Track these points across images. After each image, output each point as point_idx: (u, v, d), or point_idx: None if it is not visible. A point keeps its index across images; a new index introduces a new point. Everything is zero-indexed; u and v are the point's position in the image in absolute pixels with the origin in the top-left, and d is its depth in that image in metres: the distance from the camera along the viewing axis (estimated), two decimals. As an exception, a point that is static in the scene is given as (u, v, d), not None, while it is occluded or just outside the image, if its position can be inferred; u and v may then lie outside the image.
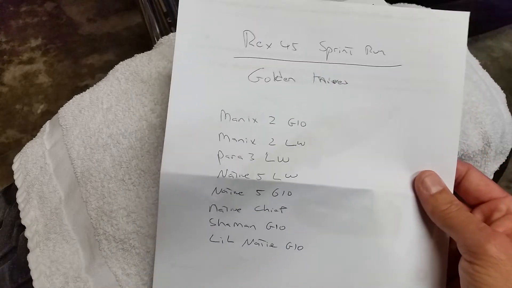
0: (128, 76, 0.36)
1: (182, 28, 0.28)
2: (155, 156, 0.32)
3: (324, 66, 0.28)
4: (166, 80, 0.35)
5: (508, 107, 0.36)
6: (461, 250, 0.25)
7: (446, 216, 0.26)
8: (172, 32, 0.43)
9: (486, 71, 0.37)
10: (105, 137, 0.33)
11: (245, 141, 0.28)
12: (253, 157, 0.28)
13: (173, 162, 0.28)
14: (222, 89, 0.28)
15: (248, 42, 0.28)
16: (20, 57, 1.24)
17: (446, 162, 0.28)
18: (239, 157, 0.28)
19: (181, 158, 0.28)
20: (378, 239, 0.28)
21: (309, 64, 0.28)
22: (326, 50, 0.28)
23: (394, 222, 0.28)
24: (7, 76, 1.19)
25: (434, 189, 0.27)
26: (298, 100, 0.28)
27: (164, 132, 0.28)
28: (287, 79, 0.28)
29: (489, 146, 0.34)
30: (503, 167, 0.37)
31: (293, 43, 0.28)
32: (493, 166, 0.36)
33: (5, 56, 1.24)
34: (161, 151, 0.32)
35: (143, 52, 0.39)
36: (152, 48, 0.41)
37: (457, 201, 0.26)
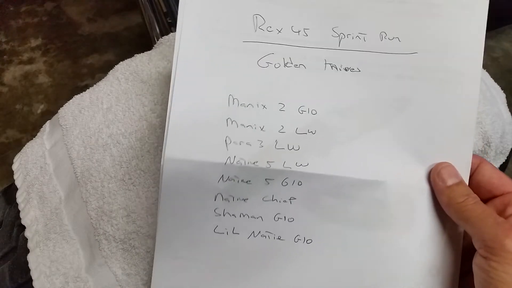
0: (128, 76, 0.36)
1: (191, 9, 0.27)
2: (155, 156, 0.32)
3: (336, 52, 0.27)
4: (166, 80, 0.35)
5: (508, 107, 0.36)
6: (476, 245, 0.24)
7: (462, 208, 0.25)
8: (172, 32, 0.43)
9: (486, 71, 0.37)
10: (105, 137, 0.33)
11: (254, 128, 0.27)
12: (262, 144, 0.27)
13: (178, 147, 0.27)
14: (230, 74, 0.27)
15: (257, 27, 0.27)
16: (20, 57, 1.24)
17: (461, 154, 0.27)
18: (248, 143, 0.27)
19: (186, 143, 0.27)
20: (390, 232, 0.27)
21: (321, 50, 0.27)
22: (339, 36, 0.27)
23: (407, 215, 0.27)
24: (7, 76, 1.19)
25: (450, 181, 0.26)
26: (308, 88, 0.27)
27: (165, 132, 0.27)
28: (298, 66, 0.27)
29: (489, 146, 0.34)
30: (503, 167, 0.37)
31: (304, 29, 0.27)
32: (493, 166, 0.36)
33: (5, 56, 1.24)
34: (161, 151, 0.32)
35: (143, 52, 0.39)
36: (152, 48, 0.41)
37: (473, 195, 0.25)
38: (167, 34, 0.41)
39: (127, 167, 0.32)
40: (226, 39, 0.27)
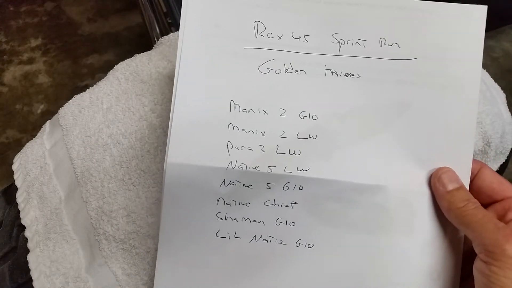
0: (128, 76, 0.36)
1: (191, 17, 0.28)
2: (155, 156, 0.32)
3: (336, 58, 0.28)
4: (166, 80, 0.35)
5: (508, 107, 0.36)
6: (477, 250, 0.24)
7: (463, 213, 0.25)
8: (172, 32, 0.43)
9: (486, 71, 0.37)
10: (105, 137, 0.33)
11: (255, 133, 0.27)
12: (263, 149, 0.27)
13: (180, 152, 0.27)
14: (232, 80, 0.28)
15: (258, 33, 0.28)
16: (20, 57, 1.24)
17: (461, 159, 0.27)
18: (249, 148, 0.27)
19: (188, 148, 0.27)
20: (391, 237, 0.27)
21: (321, 56, 0.28)
22: (339, 42, 0.28)
23: (408, 220, 0.27)
24: (7, 76, 1.20)
25: (451, 186, 0.26)
26: (309, 93, 0.28)
27: (165, 132, 0.27)
28: (298, 72, 0.28)
29: (489, 146, 0.34)
30: (503, 167, 0.37)
31: (304, 35, 0.28)
32: (493, 166, 0.36)
33: (5, 56, 1.24)
34: (161, 151, 0.32)
35: (143, 52, 0.39)
36: (152, 48, 0.41)
37: (474, 199, 0.25)
38: (167, 34, 0.41)
39: (127, 167, 0.32)
40: (227, 45, 0.28)
